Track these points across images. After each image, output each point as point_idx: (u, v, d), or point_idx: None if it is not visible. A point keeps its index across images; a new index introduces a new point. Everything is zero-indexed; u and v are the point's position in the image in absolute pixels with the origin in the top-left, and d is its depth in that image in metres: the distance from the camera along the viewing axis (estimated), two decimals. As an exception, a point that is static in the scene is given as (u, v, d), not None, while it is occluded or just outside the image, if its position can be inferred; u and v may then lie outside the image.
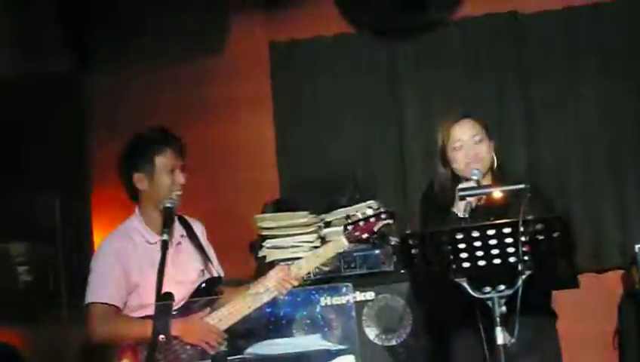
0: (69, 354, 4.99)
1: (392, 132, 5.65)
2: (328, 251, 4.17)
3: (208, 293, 4.12)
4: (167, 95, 5.83)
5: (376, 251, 4.90)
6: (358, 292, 4.78)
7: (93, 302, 4.06)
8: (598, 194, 5.33)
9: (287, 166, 5.74)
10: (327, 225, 5.15)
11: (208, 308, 4.04)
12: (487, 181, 4.01)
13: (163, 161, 4.14)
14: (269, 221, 5.16)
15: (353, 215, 4.17)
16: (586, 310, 5.13)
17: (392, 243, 4.87)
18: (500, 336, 3.40)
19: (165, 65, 5.83)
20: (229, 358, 3.95)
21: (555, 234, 3.36)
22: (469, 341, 3.86)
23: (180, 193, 4.12)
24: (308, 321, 4.40)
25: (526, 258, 3.38)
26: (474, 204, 3.86)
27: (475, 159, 4.00)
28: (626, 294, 5.09)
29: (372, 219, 4.13)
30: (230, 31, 5.91)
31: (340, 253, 4.22)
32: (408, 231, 3.77)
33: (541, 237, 3.37)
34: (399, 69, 5.68)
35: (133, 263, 4.10)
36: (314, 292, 4.66)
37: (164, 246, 3.76)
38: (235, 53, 5.89)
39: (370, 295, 4.81)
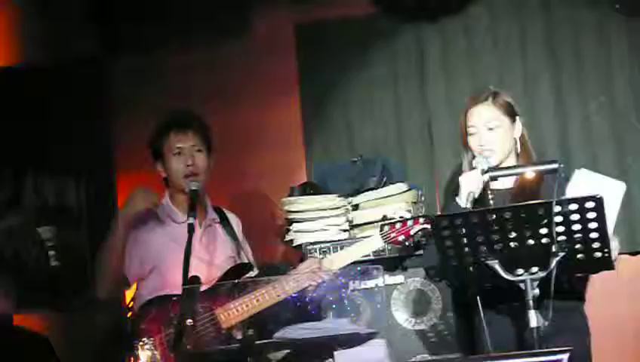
0: (97, 340, 4.99)
1: (419, 113, 5.57)
2: (362, 250, 4.16)
3: (237, 279, 4.12)
4: (192, 79, 5.79)
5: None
6: (387, 276, 4.72)
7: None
8: (631, 174, 5.23)
9: (314, 148, 5.68)
10: (356, 208, 5.09)
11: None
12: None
13: (168, 144, 4.19)
14: (296, 204, 5.10)
15: (391, 217, 4.15)
16: (619, 293, 5.06)
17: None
18: (534, 319, 3.35)
19: (190, 49, 5.79)
20: (256, 342, 3.93)
21: (590, 215, 3.30)
22: (499, 324, 3.82)
23: (191, 175, 4.14)
24: (336, 305, 4.35)
25: (559, 239, 3.32)
26: (476, 194, 3.79)
27: (485, 147, 3.94)
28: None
29: (410, 223, 4.10)
30: (255, 13, 5.86)
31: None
32: (439, 213, 3.74)
33: (575, 218, 3.30)
34: (426, 49, 5.58)
35: (155, 242, 4.15)
36: (343, 275, 4.62)
37: (191, 229, 3.76)
38: (260, 35, 5.83)
39: (399, 278, 4.76)
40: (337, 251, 4.61)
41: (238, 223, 4.50)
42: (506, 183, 3.98)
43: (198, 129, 4.24)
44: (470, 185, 3.80)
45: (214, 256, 4.24)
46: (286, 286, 4.04)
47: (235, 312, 4.00)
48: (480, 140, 3.96)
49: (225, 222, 4.39)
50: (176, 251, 3.89)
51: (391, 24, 5.65)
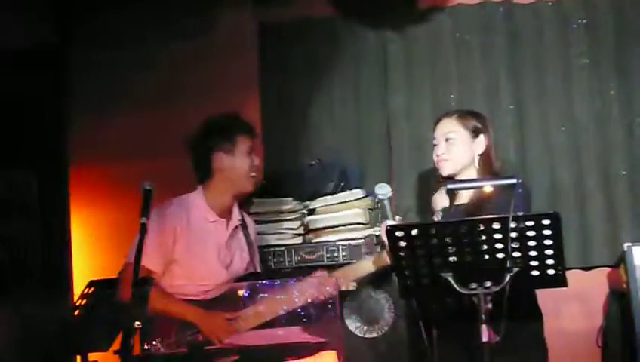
0: (44, 334, 4.92)
1: (379, 120, 5.54)
2: (373, 265, 4.17)
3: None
4: (152, 74, 5.72)
5: (359, 241, 4.83)
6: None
7: (130, 263, 3.95)
8: (587, 190, 5.23)
9: (272, 151, 5.61)
10: (312, 212, 5.05)
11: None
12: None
13: (244, 142, 4.25)
14: (255, 206, 5.05)
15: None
16: (571, 307, 5.07)
17: (377, 233, 4.77)
18: (485, 334, 3.32)
19: (151, 45, 5.73)
20: (206, 348, 3.89)
21: (546, 232, 3.29)
22: (453, 336, 3.81)
23: (255, 175, 4.28)
24: (288, 313, 4.32)
25: (515, 254, 3.31)
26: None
27: (441, 157, 4.01)
28: (613, 293, 5.02)
29: None
30: (218, 12, 5.79)
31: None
32: (394, 223, 3.71)
33: (531, 234, 3.29)
34: (388, 56, 5.55)
35: (182, 236, 4.12)
36: (294, 282, 4.59)
37: (142, 229, 3.68)
38: (223, 34, 5.77)
39: (352, 286, 4.72)
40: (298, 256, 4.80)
41: (254, 228, 4.54)
42: (461, 199, 3.98)
43: (254, 133, 4.39)
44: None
45: (234, 260, 4.28)
46: (291, 299, 4.09)
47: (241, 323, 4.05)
48: (437, 150, 4.03)
49: (245, 226, 4.41)
50: (205, 249, 4.13)
51: (353, 27, 5.61)
